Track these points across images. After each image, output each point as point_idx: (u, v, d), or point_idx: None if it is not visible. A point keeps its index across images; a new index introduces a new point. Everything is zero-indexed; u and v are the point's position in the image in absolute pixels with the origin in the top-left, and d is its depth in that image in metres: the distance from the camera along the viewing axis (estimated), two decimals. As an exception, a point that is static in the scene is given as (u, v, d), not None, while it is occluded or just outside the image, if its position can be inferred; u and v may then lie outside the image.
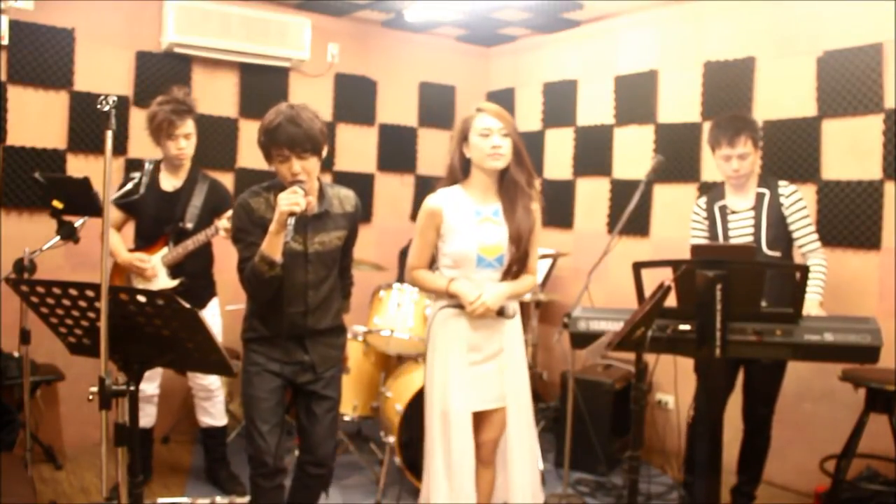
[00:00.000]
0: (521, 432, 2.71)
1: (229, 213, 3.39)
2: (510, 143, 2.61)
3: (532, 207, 2.68)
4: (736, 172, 3.24)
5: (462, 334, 2.65)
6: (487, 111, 2.63)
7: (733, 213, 3.34)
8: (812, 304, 3.07)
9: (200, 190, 3.51)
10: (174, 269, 3.47)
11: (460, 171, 2.70)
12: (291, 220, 2.34)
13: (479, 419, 2.70)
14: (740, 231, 3.30)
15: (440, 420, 2.65)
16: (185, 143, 3.44)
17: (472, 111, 2.67)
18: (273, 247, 2.38)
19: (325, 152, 2.54)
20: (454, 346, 2.66)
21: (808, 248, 3.24)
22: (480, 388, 2.66)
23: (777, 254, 3.24)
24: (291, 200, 2.33)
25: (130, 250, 3.47)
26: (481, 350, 2.67)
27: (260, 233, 2.44)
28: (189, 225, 3.44)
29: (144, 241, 3.50)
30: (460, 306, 2.62)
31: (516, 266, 2.67)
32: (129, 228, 3.58)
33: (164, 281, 3.45)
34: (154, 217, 3.45)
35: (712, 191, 3.50)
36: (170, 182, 3.51)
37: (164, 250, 3.46)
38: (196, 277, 3.52)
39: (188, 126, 3.43)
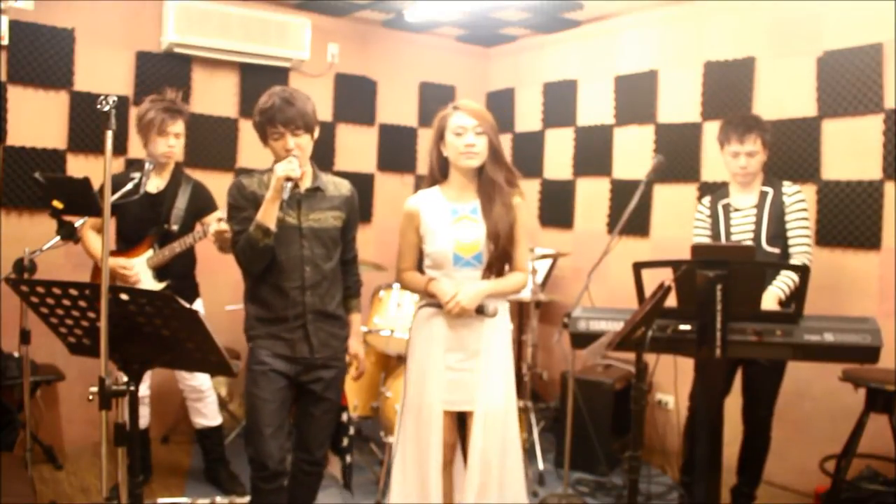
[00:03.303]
0: (491, 437, 2.62)
1: (217, 214, 3.40)
2: (485, 142, 2.59)
3: (513, 204, 2.65)
4: (743, 170, 3.26)
5: (440, 334, 2.63)
6: (463, 109, 2.61)
7: (736, 210, 3.36)
8: (771, 297, 3.12)
9: (184, 192, 3.51)
10: (160, 272, 3.46)
11: (438, 170, 2.70)
12: (288, 186, 2.44)
13: (463, 420, 2.68)
14: (742, 227, 3.32)
15: (413, 418, 2.63)
16: (175, 142, 3.43)
17: (447, 109, 2.65)
18: (268, 214, 2.47)
19: (316, 133, 2.62)
20: (431, 346, 2.64)
21: (794, 249, 3.25)
22: (453, 390, 2.63)
23: (776, 250, 3.25)
24: (287, 168, 2.45)
25: (112, 252, 3.45)
26: (457, 351, 2.64)
27: (252, 208, 2.53)
28: (174, 227, 3.44)
29: (126, 243, 3.48)
30: (439, 305, 2.61)
31: (497, 264, 2.64)
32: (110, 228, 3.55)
33: (150, 283, 3.44)
34: (137, 218, 3.43)
35: (717, 190, 3.52)
36: (153, 183, 3.49)
37: (149, 252, 3.44)
38: (181, 279, 3.51)
39: (179, 126, 3.42)
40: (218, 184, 3.69)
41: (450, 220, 2.64)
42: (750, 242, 3.25)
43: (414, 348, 2.70)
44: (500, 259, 2.64)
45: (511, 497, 2.69)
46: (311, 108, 2.57)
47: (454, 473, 2.79)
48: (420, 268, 2.76)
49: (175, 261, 3.45)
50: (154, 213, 3.45)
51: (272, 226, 2.47)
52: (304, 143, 2.54)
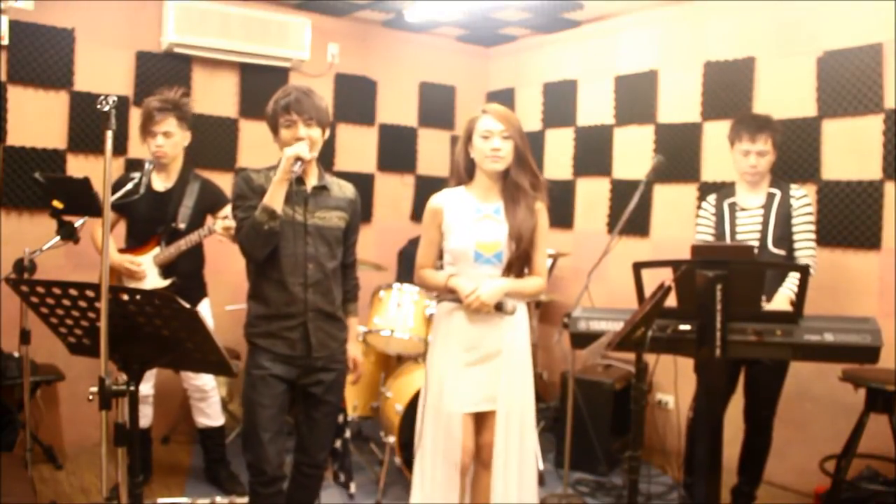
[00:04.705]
0: (511, 437, 2.66)
1: (225, 211, 3.41)
2: (511, 146, 2.64)
3: (536, 208, 2.70)
4: (753, 168, 3.27)
5: (460, 331, 2.66)
6: (491, 113, 2.66)
7: (742, 209, 3.36)
8: (782, 299, 3.14)
9: (192, 190, 3.51)
10: (166, 269, 3.46)
11: (465, 171, 2.74)
12: (298, 165, 2.46)
13: (478, 420, 2.70)
14: (748, 227, 3.32)
15: (434, 417, 2.66)
16: (164, 140, 3.39)
17: (477, 112, 2.70)
18: (275, 197, 2.48)
19: (326, 133, 2.64)
20: (451, 344, 2.67)
21: (800, 253, 3.27)
22: (473, 389, 2.65)
23: (782, 252, 3.26)
24: (298, 149, 2.48)
25: (121, 250, 3.46)
26: (478, 349, 2.66)
27: (258, 198, 2.53)
28: (182, 225, 3.44)
29: (136, 241, 3.49)
30: (458, 301, 2.64)
31: (517, 264, 2.67)
32: (120, 228, 3.55)
33: (155, 280, 3.45)
34: (146, 217, 3.44)
35: (723, 189, 3.52)
36: (161, 182, 3.50)
37: (156, 250, 3.45)
38: (187, 278, 3.52)
39: (168, 124, 3.38)
40: (218, 183, 3.69)
41: (473, 218, 2.68)
42: (756, 243, 3.25)
43: (434, 346, 2.74)
44: (520, 260, 2.68)
45: (528, 497, 2.72)
46: (325, 107, 2.62)
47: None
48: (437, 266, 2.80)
49: (183, 259, 3.45)
50: (162, 211, 3.46)
51: (278, 209, 2.48)
52: (314, 135, 2.57)
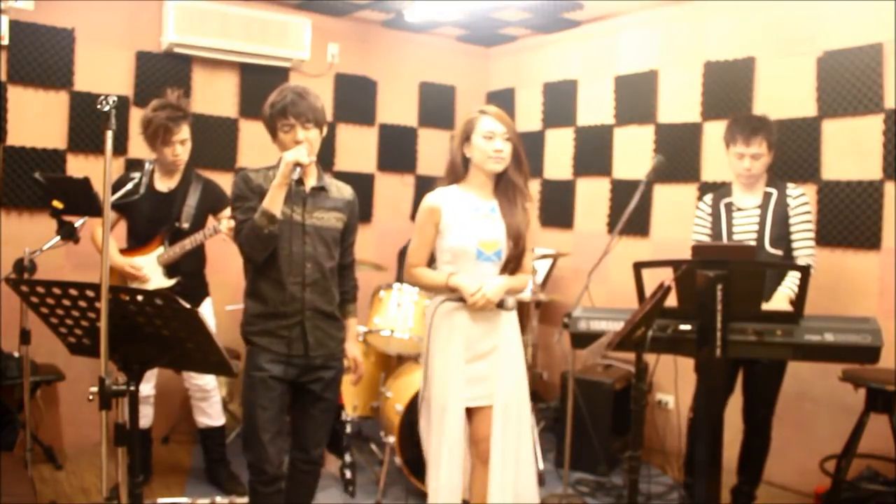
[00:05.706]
0: (508, 433, 2.68)
1: (229, 211, 3.41)
2: (511, 147, 2.67)
3: (527, 207, 2.76)
4: (747, 171, 3.26)
5: (462, 329, 2.68)
6: (491, 114, 2.69)
7: (739, 210, 3.35)
8: (782, 298, 3.14)
9: (195, 190, 3.53)
10: (170, 269, 3.47)
11: (461, 170, 2.76)
12: (297, 171, 2.47)
13: (475, 416, 2.71)
14: (744, 227, 3.32)
15: (440, 414, 2.67)
16: (181, 148, 3.45)
17: (474, 112, 2.72)
18: (275, 201, 2.49)
19: (324, 131, 2.66)
20: (454, 341, 2.68)
21: (799, 252, 3.26)
22: (472, 385, 2.68)
23: (779, 252, 3.25)
24: (297, 154, 2.49)
25: (123, 250, 3.46)
26: (477, 346, 2.69)
27: (257, 199, 2.55)
28: (185, 225, 3.46)
29: (137, 242, 3.49)
30: (461, 300, 2.65)
31: (514, 262, 2.72)
32: (120, 228, 3.55)
33: (160, 280, 3.45)
34: (149, 217, 3.45)
35: (720, 188, 3.52)
36: (164, 183, 3.51)
37: (160, 250, 3.46)
38: (190, 277, 3.53)
39: (184, 132, 3.43)
40: (218, 183, 3.69)
41: (472, 217, 2.71)
42: (753, 243, 3.25)
43: (435, 344, 2.73)
44: (517, 258, 2.72)
45: (527, 497, 2.73)
46: (321, 105, 2.63)
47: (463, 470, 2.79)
48: (429, 265, 2.80)
49: (185, 259, 3.47)
50: (165, 212, 3.47)
51: (278, 213, 2.49)
52: (312, 138, 2.58)
